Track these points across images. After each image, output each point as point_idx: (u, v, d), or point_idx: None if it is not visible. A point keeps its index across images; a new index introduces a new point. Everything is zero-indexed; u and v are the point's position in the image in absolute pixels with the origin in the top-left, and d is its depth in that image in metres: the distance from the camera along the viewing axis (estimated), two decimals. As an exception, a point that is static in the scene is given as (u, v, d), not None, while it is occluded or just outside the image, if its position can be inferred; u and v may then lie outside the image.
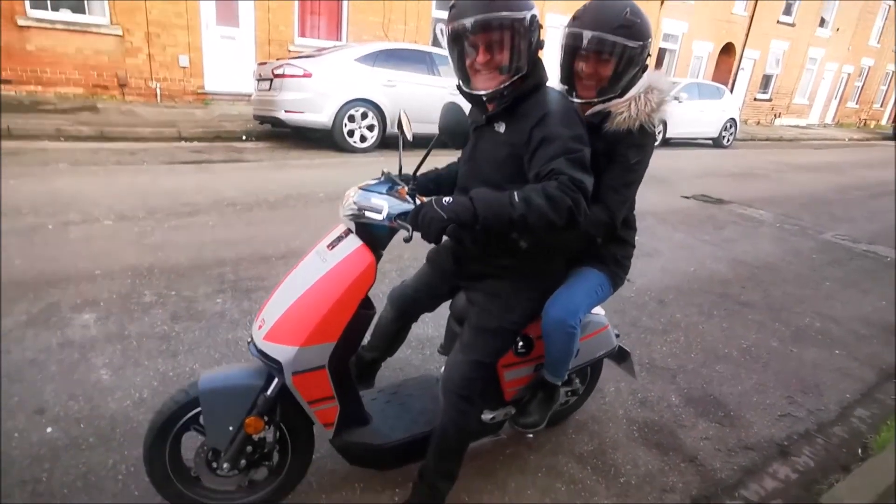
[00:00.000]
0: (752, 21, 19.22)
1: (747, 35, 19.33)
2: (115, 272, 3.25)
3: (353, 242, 1.52)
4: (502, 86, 1.51)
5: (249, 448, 1.58)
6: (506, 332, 1.70)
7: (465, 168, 1.72)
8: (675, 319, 3.41)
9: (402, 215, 1.41)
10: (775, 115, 22.24)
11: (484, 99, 1.56)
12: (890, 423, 2.48)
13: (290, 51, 10.59)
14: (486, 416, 1.88)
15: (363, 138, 7.78)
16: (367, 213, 1.45)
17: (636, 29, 1.58)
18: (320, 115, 7.40)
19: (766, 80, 21.45)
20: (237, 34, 10.42)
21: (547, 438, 2.18)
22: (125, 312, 2.82)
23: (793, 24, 20.99)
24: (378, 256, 1.52)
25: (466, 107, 1.61)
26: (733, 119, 13.26)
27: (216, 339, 2.64)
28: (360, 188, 1.53)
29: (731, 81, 19.06)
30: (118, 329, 2.66)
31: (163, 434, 1.52)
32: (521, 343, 1.83)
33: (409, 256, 3.64)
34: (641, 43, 1.59)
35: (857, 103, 26.68)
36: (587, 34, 1.59)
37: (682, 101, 11.91)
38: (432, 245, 1.54)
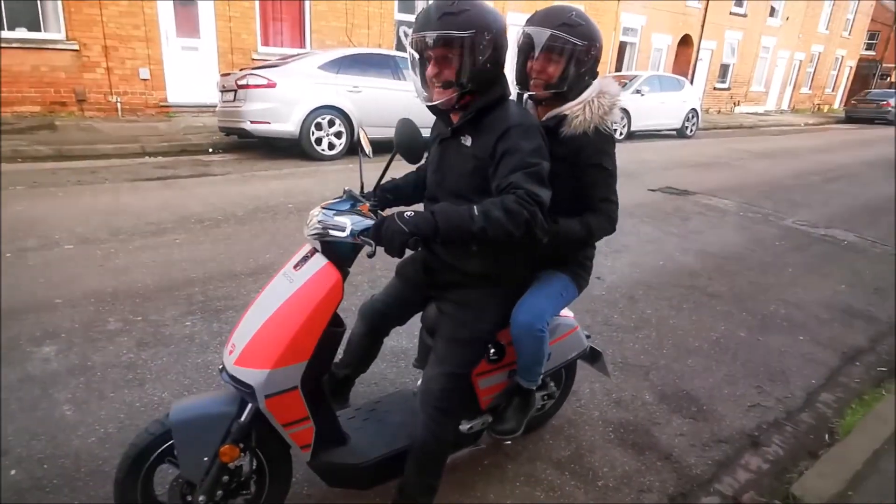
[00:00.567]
0: (706, 13, 19.72)
1: (703, 26, 19.82)
2: (77, 299, 3.15)
3: (319, 261, 1.52)
4: (450, 100, 1.54)
5: (226, 478, 1.54)
6: (478, 342, 1.72)
7: (433, 179, 1.73)
8: (645, 315, 3.47)
9: (365, 231, 1.42)
10: (735, 104, 22.84)
11: (440, 108, 1.59)
12: (854, 406, 2.56)
13: (253, 59, 10.43)
14: (464, 426, 1.89)
15: (331, 146, 7.72)
16: (331, 232, 1.46)
17: (580, 29, 1.67)
18: (287, 125, 7.31)
19: (724, 69, 22.02)
20: (199, 44, 10.22)
21: (524, 446, 2.19)
22: (88, 342, 2.73)
23: (745, 15, 21.62)
24: (345, 274, 1.52)
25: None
26: (695, 109, 13.57)
27: (185, 365, 2.58)
28: (323, 207, 1.53)
29: (690, 72, 19.49)
30: (81, 360, 2.57)
31: (136, 467, 1.48)
32: (492, 350, 1.84)
33: (381, 267, 3.62)
34: (586, 43, 1.67)
35: (810, 89, 27.59)
36: (534, 30, 1.69)
37: (645, 94, 12.14)
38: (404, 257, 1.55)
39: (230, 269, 3.67)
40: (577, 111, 1.69)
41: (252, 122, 7.22)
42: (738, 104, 22.99)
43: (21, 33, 8.63)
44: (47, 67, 8.86)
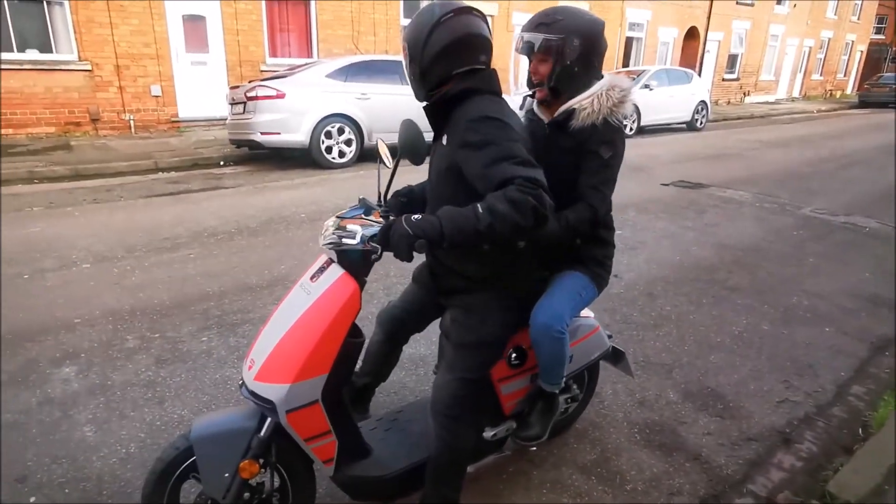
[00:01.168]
0: (712, 4, 19.52)
1: (709, 18, 19.62)
2: (96, 318, 3.17)
3: (336, 272, 1.50)
4: (421, 95, 1.59)
5: (247, 494, 1.53)
6: (486, 345, 1.68)
7: (429, 184, 1.72)
8: (665, 312, 3.41)
9: (374, 236, 1.41)
10: (744, 94, 22.55)
11: (423, 107, 1.60)
12: (887, 398, 2.49)
13: (262, 71, 10.51)
14: (488, 433, 1.85)
15: (342, 154, 7.74)
16: (344, 240, 1.45)
17: (557, 25, 1.68)
18: (297, 135, 7.34)
19: (732, 59, 21.76)
20: (208, 59, 10.33)
21: (549, 451, 2.15)
22: (107, 361, 2.74)
23: (751, 4, 21.37)
24: (362, 284, 1.51)
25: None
26: (704, 101, 13.41)
27: (203, 381, 2.58)
28: (337, 217, 1.52)
29: (698, 64, 19.31)
30: (101, 380, 2.58)
31: (162, 483, 1.48)
32: (513, 354, 1.81)
33: (395, 274, 3.61)
34: (562, 36, 1.67)
35: (821, 75, 27.17)
36: (523, 35, 1.74)
37: (653, 89, 12.03)
38: (419, 263, 1.53)
39: (245, 283, 3.68)
40: (586, 104, 1.69)
41: (262, 133, 7.27)
42: (748, 94, 22.70)
43: (33, 55, 8.77)
44: (60, 88, 8.99)
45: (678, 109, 12.87)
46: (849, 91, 29.07)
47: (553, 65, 1.70)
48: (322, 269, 1.54)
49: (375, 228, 1.43)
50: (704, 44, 19.81)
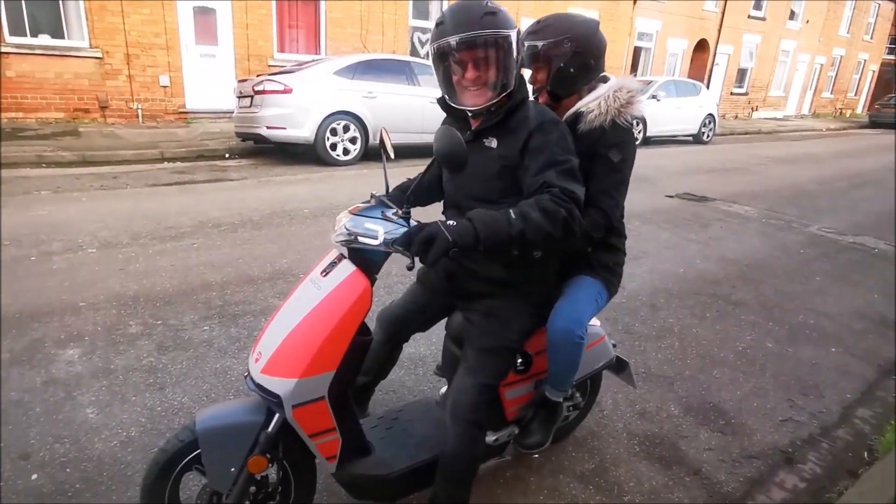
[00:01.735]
0: (723, 17, 19.52)
1: (720, 31, 19.62)
2: (100, 303, 3.16)
3: (347, 268, 1.48)
4: (490, 102, 1.53)
5: (253, 488, 1.52)
6: (508, 352, 1.68)
7: (454, 185, 1.69)
8: (668, 324, 3.40)
9: (398, 240, 1.36)
10: (752, 109, 22.54)
11: (469, 115, 1.58)
12: (893, 422, 2.46)
13: (269, 66, 10.53)
14: (490, 437, 1.84)
15: (346, 151, 7.73)
16: (361, 239, 1.41)
17: (546, 30, 1.74)
18: (302, 130, 7.34)
19: (742, 73, 21.75)
20: (217, 52, 10.36)
21: (547, 458, 2.13)
22: (110, 345, 2.74)
23: (763, 18, 21.36)
24: (372, 281, 1.49)
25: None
26: (711, 114, 13.42)
27: (204, 370, 2.57)
28: (352, 213, 1.48)
29: (706, 77, 19.31)
30: (104, 364, 2.58)
31: (164, 473, 1.46)
32: (519, 360, 1.79)
33: (397, 273, 3.60)
34: (551, 40, 1.71)
35: (831, 93, 27.16)
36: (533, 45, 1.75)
37: (661, 100, 12.03)
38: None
39: (247, 274, 3.67)
40: (593, 106, 1.69)
41: (268, 127, 7.28)
42: (757, 109, 22.69)
43: (44, 40, 8.80)
44: (71, 74, 9.02)
45: (685, 121, 12.88)
46: (859, 110, 29.04)
47: (548, 70, 1.74)
48: (333, 265, 1.51)
49: (398, 231, 1.38)
50: (714, 56, 19.80)
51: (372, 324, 1.63)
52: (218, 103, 10.36)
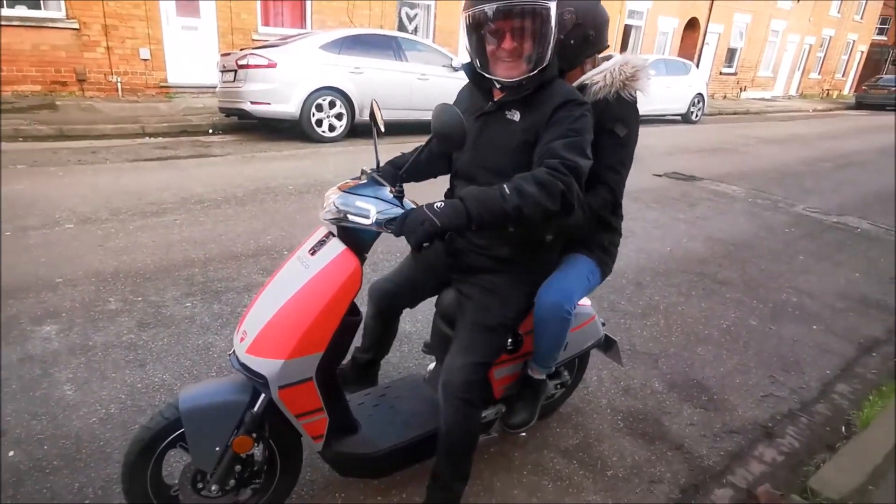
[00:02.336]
0: (715, -6, 19.35)
1: (710, 9, 19.45)
2: (78, 279, 3.09)
3: (337, 247, 1.43)
4: (524, 76, 1.49)
5: (238, 467, 1.50)
6: (504, 329, 1.65)
7: (468, 156, 1.64)
8: (653, 302, 3.41)
9: (391, 222, 1.32)
10: (741, 89, 22.52)
11: (497, 86, 1.54)
12: (872, 398, 2.50)
13: (253, 39, 10.26)
14: (479, 415, 1.83)
15: (332, 127, 7.59)
16: (352, 217, 1.35)
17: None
18: (287, 106, 7.19)
19: (731, 53, 21.66)
20: (199, 24, 10.05)
21: (531, 434, 2.14)
22: (89, 322, 2.68)
23: (755, -3, 21.22)
24: (362, 260, 1.44)
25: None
26: (701, 94, 13.37)
27: (186, 346, 2.53)
28: (342, 190, 1.42)
29: (696, 56, 19.20)
30: (82, 340, 2.53)
31: (147, 451, 1.42)
32: (510, 340, 1.77)
33: (383, 251, 3.56)
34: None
35: (819, 74, 27.17)
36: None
37: (650, 78, 11.91)
38: None
39: (230, 251, 3.61)
40: (598, 78, 1.67)
41: (252, 102, 7.12)
42: (745, 89, 22.67)
43: (21, 11, 8.48)
44: (48, 46, 8.72)
45: (674, 101, 12.81)
46: (846, 91, 29.13)
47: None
48: (322, 243, 1.46)
49: (392, 211, 1.33)
50: (704, 35, 19.66)
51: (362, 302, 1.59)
52: (201, 77, 10.09)
